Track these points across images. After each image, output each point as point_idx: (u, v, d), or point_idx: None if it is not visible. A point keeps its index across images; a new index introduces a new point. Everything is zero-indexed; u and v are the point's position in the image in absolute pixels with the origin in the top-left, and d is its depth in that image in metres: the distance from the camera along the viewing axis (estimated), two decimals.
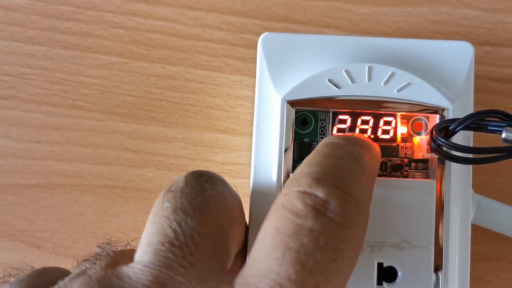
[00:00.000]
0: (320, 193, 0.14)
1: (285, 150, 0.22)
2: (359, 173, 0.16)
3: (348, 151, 0.17)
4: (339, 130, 0.22)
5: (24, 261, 0.26)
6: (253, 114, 0.27)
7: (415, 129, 0.23)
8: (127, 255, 0.15)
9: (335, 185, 0.14)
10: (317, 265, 0.13)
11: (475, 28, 0.28)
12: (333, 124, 0.23)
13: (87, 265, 0.15)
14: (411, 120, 0.23)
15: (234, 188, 0.18)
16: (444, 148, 0.21)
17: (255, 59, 0.28)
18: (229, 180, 0.27)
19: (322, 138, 0.23)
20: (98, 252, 0.16)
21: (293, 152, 0.22)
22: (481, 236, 0.26)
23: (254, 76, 0.27)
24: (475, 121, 0.21)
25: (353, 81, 0.22)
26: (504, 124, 0.20)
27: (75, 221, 0.26)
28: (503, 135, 0.20)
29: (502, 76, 0.27)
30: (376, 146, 0.19)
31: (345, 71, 0.22)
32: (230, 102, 0.27)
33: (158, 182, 0.27)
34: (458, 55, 0.23)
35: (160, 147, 0.27)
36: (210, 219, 0.15)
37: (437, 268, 0.21)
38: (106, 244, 0.17)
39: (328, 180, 0.15)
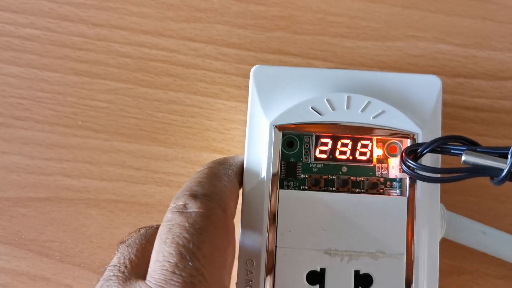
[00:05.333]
0: (180, 202, 0.20)
1: (273, 169, 0.24)
2: (204, 180, 0.22)
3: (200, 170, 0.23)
4: (321, 151, 0.25)
5: (33, 268, 0.28)
6: None
7: (390, 152, 0.25)
8: None
9: (189, 194, 0.21)
10: (187, 240, 0.19)
11: (449, 62, 0.31)
12: (316, 146, 0.25)
13: None
14: (387, 144, 0.25)
15: None
16: (415, 171, 0.23)
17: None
18: None
19: (306, 158, 0.25)
20: None
21: (280, 171, 0.25)
22: (455, 251, 0.29)
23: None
24: (440, 145, 0.23)
25: (333, 108, 0.24)
26: (465, 148, 0.22)
27: (81, 232, 0.29)
28: (463, 158, 0.22)
29: (474, 105, 0.30)
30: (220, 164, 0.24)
31: (327, 99, 0.24)
32: (226, 125, 0.30)
33: (158, 197, 0.29)
34: (427, 87, 0.26)
35: (161, 166, 0.29)
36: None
37: (408, 276, 0.23)
38: None
39: (184, 193, 0.21)
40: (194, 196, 0.21)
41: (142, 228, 0.22)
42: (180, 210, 0.20)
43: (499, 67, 0.31)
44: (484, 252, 0.27)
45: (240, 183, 0.24)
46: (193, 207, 0.20)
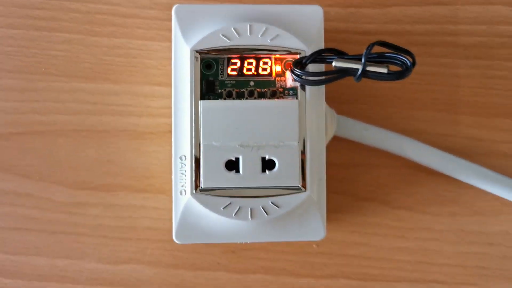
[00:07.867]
0: None
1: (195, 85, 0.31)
2: None
3: None
4: (232, 69, 0.32)
5: (19, 188, 0.36)
6: None
7: (286, 67, 0.32)
8: None
9: None
10: None
11: None
12: (228, 66, 0.32)
13: None
14: (284, 61, 0.32)
15: None
16: (302, 76, 0.30)
17: None
18: (164, 119, 0.36)
19: (221, 76, 0.32)
20: None
21: (201, 87, 0.31)
22: (348, 147, 0.36)
23: None
24: (317, 56, 0.30)
25: (239, 35, 0.31)
26: (335, 57, 0.29)
27: (53, 157, 0.36)
28: (333, 63, 0.29)
29: (364, 30, 0.37)
30: None
31: (233, 28, 0.31)
32: (163, 62, 0.36)
33: (113, 124, 0.36)
34: (312, 15, 0.32)
35: (112, 99, 0.36)
36: None
37: (302, 159, 0.31)
38: None
39: None
40: None
41: None
42: None
43: None
44: (369, 145, 0.34)
45: None
46: None
